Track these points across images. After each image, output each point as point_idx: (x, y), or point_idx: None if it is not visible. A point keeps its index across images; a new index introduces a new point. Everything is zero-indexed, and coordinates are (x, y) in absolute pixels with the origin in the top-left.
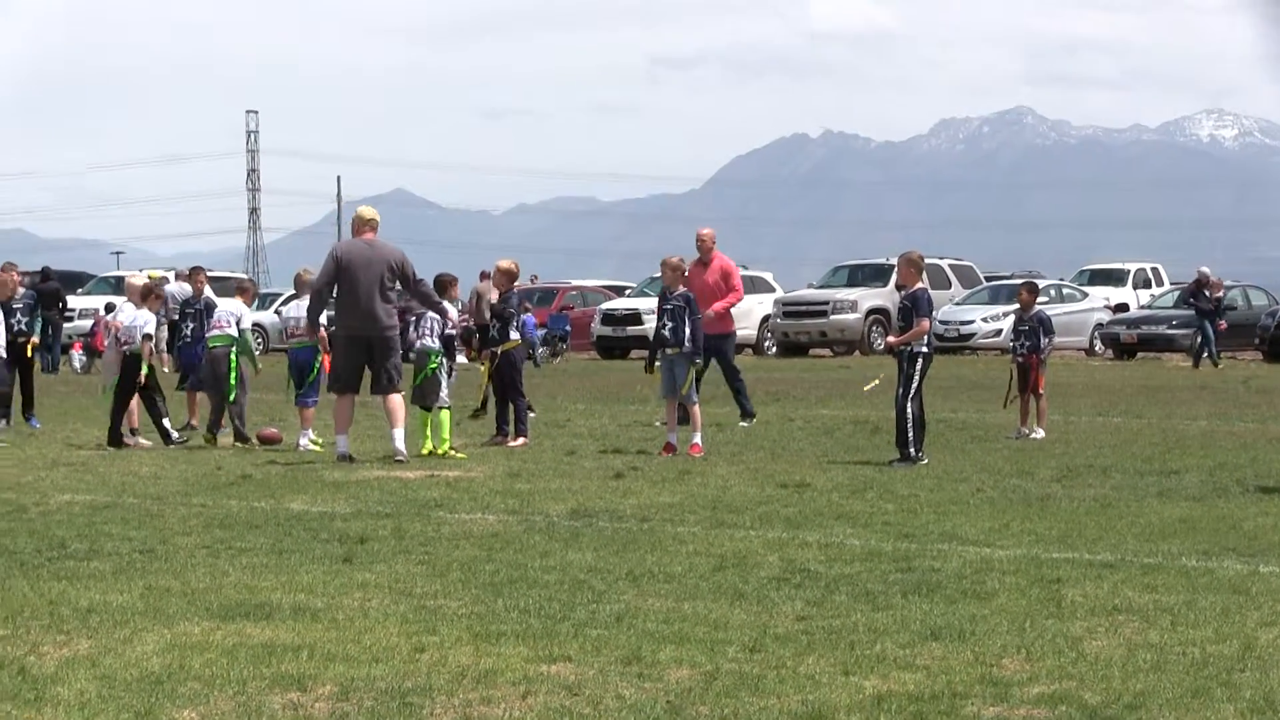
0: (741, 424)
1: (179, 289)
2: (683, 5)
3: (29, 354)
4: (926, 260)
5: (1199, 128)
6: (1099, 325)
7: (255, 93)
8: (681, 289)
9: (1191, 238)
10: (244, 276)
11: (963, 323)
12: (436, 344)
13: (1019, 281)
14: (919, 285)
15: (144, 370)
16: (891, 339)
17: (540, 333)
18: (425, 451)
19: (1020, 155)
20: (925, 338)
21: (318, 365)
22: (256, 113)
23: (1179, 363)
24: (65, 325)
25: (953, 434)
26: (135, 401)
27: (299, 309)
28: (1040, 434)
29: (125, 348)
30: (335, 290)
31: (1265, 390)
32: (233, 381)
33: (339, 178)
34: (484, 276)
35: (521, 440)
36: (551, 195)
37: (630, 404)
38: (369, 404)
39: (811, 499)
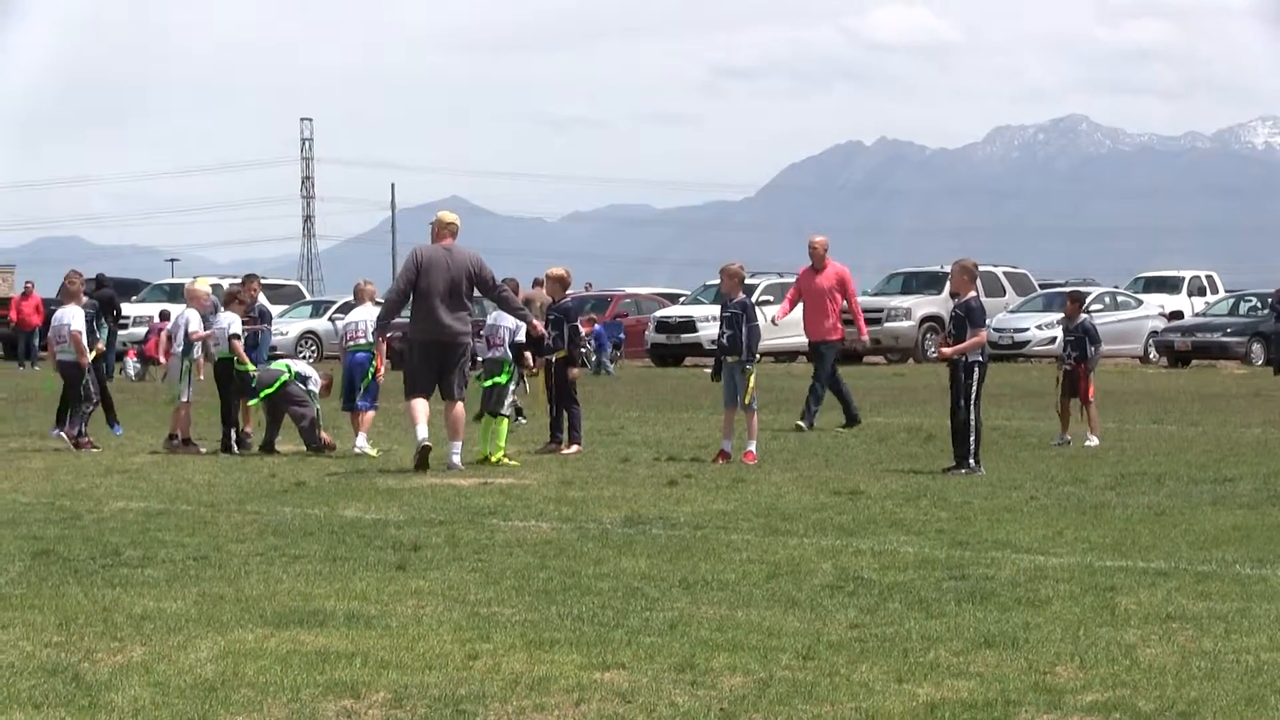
0: (839, 428)
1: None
2: (745, 16)
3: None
4: (981, 268)
5: (1254, 135)
6: (1153, 333)
7: (310, 100)
8: (740, 296)
9: (1247, 245)
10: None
11: (1017, 330)
12: (509, 354)
13: (1073, 290)
14: (971, 293)
15: (249, 369)
16: (946, 350)
17: (609, 346)
18: (481, 458)
19: (1075, 163)
20: (980, 347)
21: (372, 371)
22: (311, 120)
23: (1233, 370)
24: (120, 333)
25: (1006, 441)
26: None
27: (357, 314)
28: (1094, 441)
29: (215, 349)
30: (412, 296)
31: None
32: (264, 393)
33: (393, 185)
34: (536, 284)
35: (575, 448)
36: (606, 203)
37: (684, 411)
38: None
39: (865, 506)
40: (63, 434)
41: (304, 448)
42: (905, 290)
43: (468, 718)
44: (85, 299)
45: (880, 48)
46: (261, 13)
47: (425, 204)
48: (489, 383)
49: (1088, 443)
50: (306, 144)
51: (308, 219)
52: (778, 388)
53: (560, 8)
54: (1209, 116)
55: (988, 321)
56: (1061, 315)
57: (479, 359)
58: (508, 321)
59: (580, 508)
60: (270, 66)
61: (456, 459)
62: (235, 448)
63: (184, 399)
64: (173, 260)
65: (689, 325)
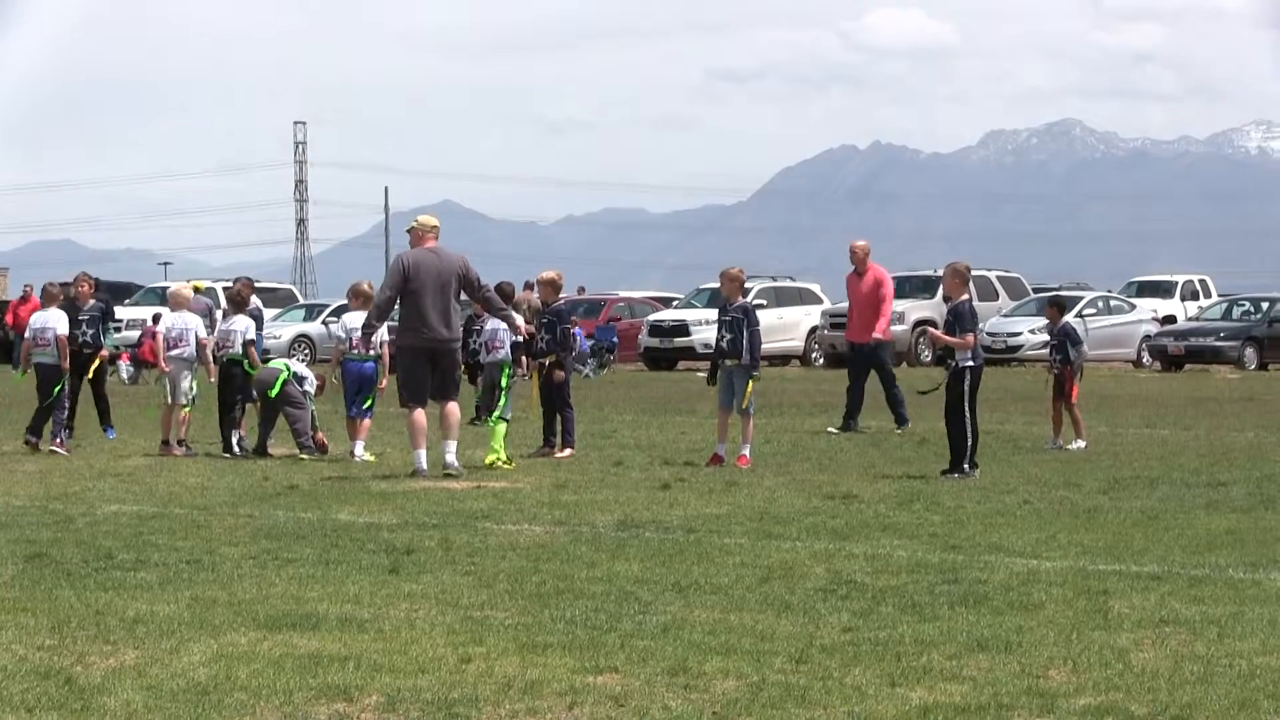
0: (896, 431)
1: (196, 302)
2: (740, 20)
3: (94, 365)
4: (974, 272)
5: (1247, 139)
6: (1147, 337)
7: (303, 104)
8: (740, 300)
9: (1240, 249)
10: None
11: (1010, 334)
12: (509, 356)
13: (1067, 294)
14: (964, 297)
15: (253, 373)
16: (936, 333)
17: (588, 344)
18: (489, 462)
19: (1069, 167)
20: (971, 351)
21: (376, 384)
22: (305, 124)
23: (1226, 374)
24: (114, 336)
25: (999, 445)
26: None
27: (357, 320)
28: (1081, 444)
29: (221, 353)
30: (400, 301)
31: None
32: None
33: (386, 189)
34: (528, 287)
35: (568, 451)
36: (599, 207)
37: (678, 415)
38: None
39: (858, 510)
40: (55, 445)
41: (297, 451)
42: (898, 294)
43: None
44: (91, 302)
45: (876, 51)
46: (255, 16)
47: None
48: (486, 389)
49: (1072, 446)
50: (300, 147)
51: (301, 222)
52: (771, 391)
53: (554, 11)
54: (1202, 121)
55: (981, 326)
56: (1044, 322)
57: (481, 361)
58: (500, 325)
59: (573, 511)
60: (264, 70)
61: (452, 458)
62: (236, 449)
63: (186, 403)
64: (166, 264)
65: (683, 329)
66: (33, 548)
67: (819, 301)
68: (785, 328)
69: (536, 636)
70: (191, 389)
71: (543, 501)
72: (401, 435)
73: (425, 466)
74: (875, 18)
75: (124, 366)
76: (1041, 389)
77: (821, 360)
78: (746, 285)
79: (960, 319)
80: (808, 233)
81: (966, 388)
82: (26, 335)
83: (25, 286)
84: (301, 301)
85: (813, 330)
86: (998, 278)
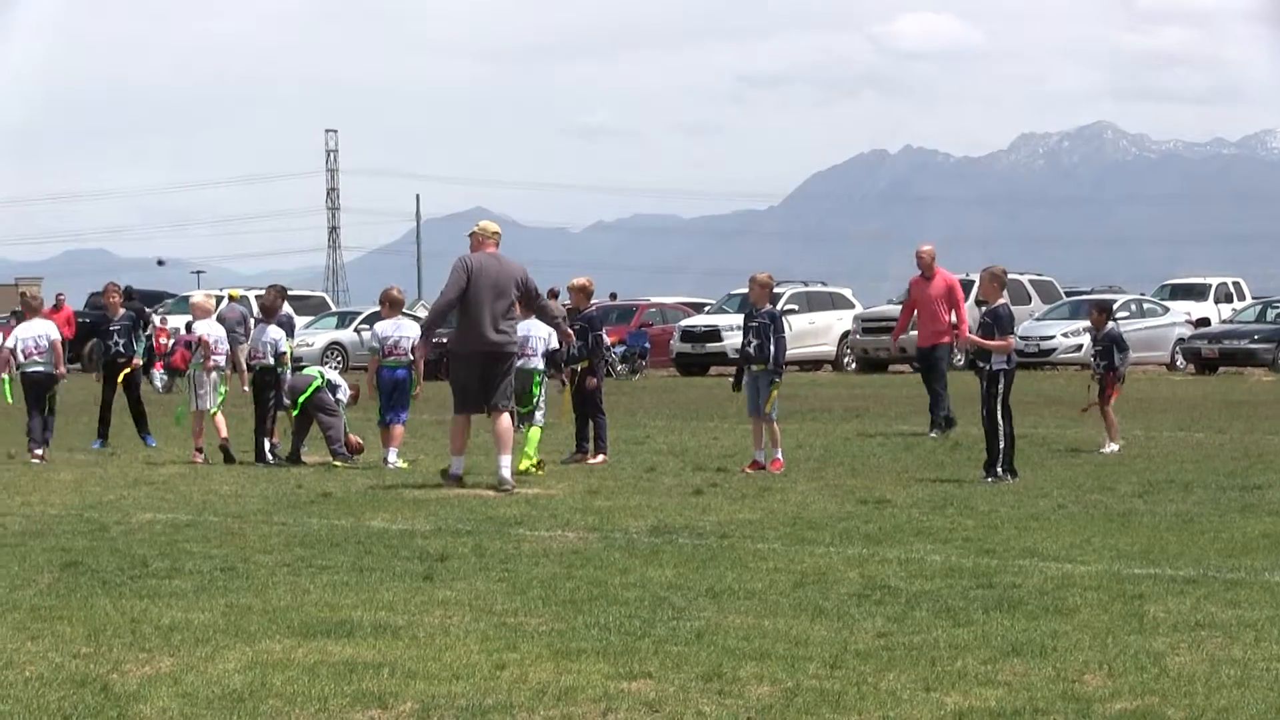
0: (930, 434)
1: (230, 310)
2: (769, 25)
3: (126, 374)
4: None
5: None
6: (1180, 340)
7: (335, 112)
8: (767, 306)
9: (1274, 251)
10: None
11: (1043, 338)
12: (541, 364)
13: (1100, 297)
14: (1000, 301)
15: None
16: (973, 337)
17: (619, 350)
18: (522, 468)
19: (1101, 170)
20: (1007, 354)
21: (413, 390)
22: (336, 132)
23: (1261, 377)
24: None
25: (1033, 449)
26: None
27: (394, 328)
28: (1114, 447)
29: (254, 362)
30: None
31: None
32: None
33: (418, 196)
34: (552, 295)
35: (601, 457)
36: (630, 213)
37: (710, 421)
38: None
39: (891, 515)
40: (36, 453)
41: (330, 458)
42: None
43: None
44: (122, 311)
45: (906, 55)
46: (287, 25)
47: (450, 214)
48: (520, 396)
49: (1104, 449)
50: (332, 155)
51: (333, 230)
52: (800, 396)
53: (584, 17)
54: (1234, 123)
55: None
56: (1088, 325)
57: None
58: (540, 330)
59: (606, 517)
60: (295, 78)
61: (506, 472)
62: (269, 457)
63: (212, 409)
64: (199, 272)
65: (714, 334)
66: (68, 556)
67: (851, 306)
68: (817, 332)
69: (570, 643)
70: (215, 396)
71: (576, 507)
72: (435, 442)
73: (460, 472)
74: (905, 22)
75: (157, 375)
76: (1078, 392)
77: (854, 365)
78: (778, 290)
79: (999, 321)
80: (840, 237)
81: (1001, 389)
82: (8, 344)
83: (58, 295)
84: (334, 309)
85: (845, 335)
86: (1030, 281)
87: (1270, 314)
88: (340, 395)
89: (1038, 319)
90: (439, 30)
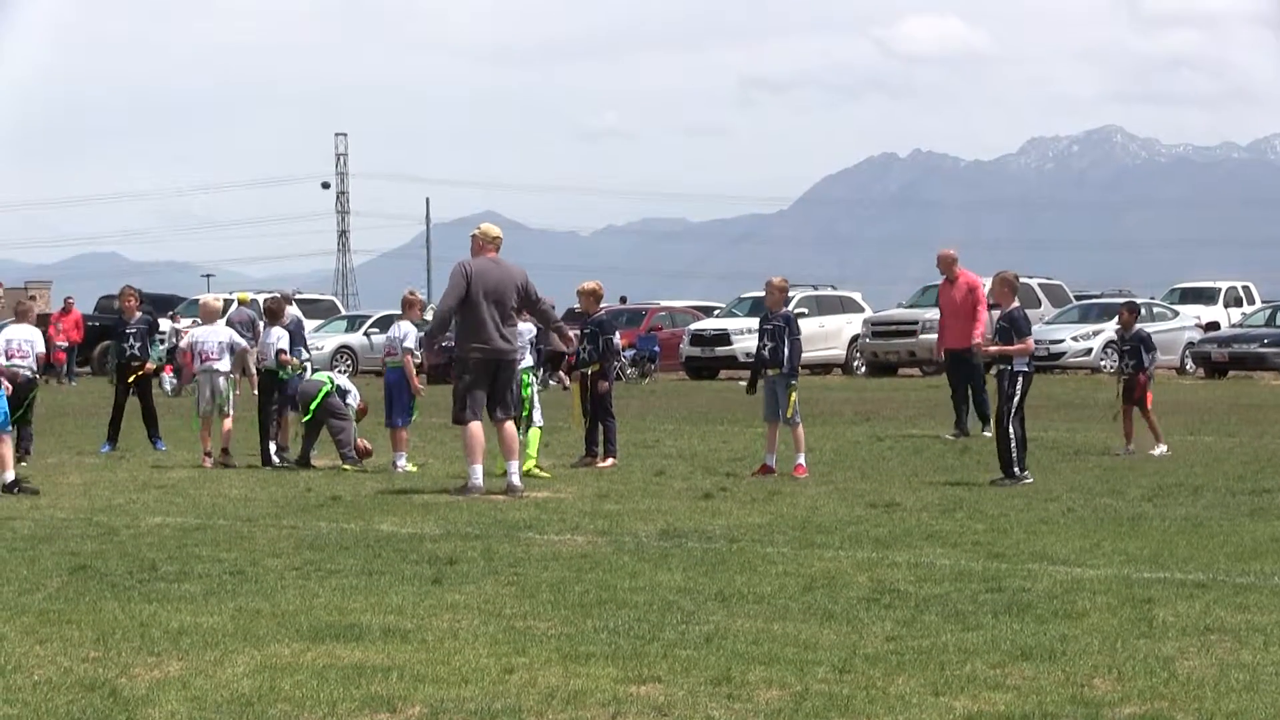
0: (947, 435)
1: (239, 314)
2: (772, 29)
3: (137, 377)
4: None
5: None
6: (1190, 344)
7: (344, 115)
8: (783, 310)
9: None
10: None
11: (1052, 342)
12: (530, 361)
13: (1109, 301)
14: (1014, 304)
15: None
16: (991, 348)
17: (629, 353)
18: (526, 469)
19: (1110, 174)
20: (1025, 357)
21: (412, 394)
22: (345, 135)
23: (1270, 381)
24: (159, 348)
25: (1043, 453)
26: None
27: (400, 330)
28: (1163, 449)
29: (261, 364)
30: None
31: None
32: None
33: (427, 199)
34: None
35: (610, 461)
36: (640, 216)
37: (719, 424)
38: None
39: (901, 519)
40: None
41: (339, 462)
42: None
43: None
44: (138, 315)
45: (913, 59)
46: (296, 28)
47: (460, 218)
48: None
49: (1154, 451)
50: (341, 159)
51: (343, 234)
52: (813, 399)
53: (591, 20)
54: (1244, 126)
55: None
56: (1117, 325)
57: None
58: (525, 328)
59: (615, 521)
60: (305, 81)
61: (516, 479)
62: (276, 460)
63: (211, 411)
64: (208, 276)
65: (724, 338)
66: (77, 560)
67: (860, 310)
68: (827, 336)
69: (579, 646)
70: (224, 399)
71: (585, 511)
72: (444, 446)
73: (482, 483)
74: (910, 25)
75: (167, 379)
76: (1091, 395)
77: (864, 369)
78: (788, 294)
79: (1016, 324)
80: (849, 241)
81: (1019, 391)
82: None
83: (66, 299)
84: (343, 313)
85: (854, 339)
86: (1040, 285)
87: None
88: (350, 400)
89: (1047, 323)
90: (446, 33)
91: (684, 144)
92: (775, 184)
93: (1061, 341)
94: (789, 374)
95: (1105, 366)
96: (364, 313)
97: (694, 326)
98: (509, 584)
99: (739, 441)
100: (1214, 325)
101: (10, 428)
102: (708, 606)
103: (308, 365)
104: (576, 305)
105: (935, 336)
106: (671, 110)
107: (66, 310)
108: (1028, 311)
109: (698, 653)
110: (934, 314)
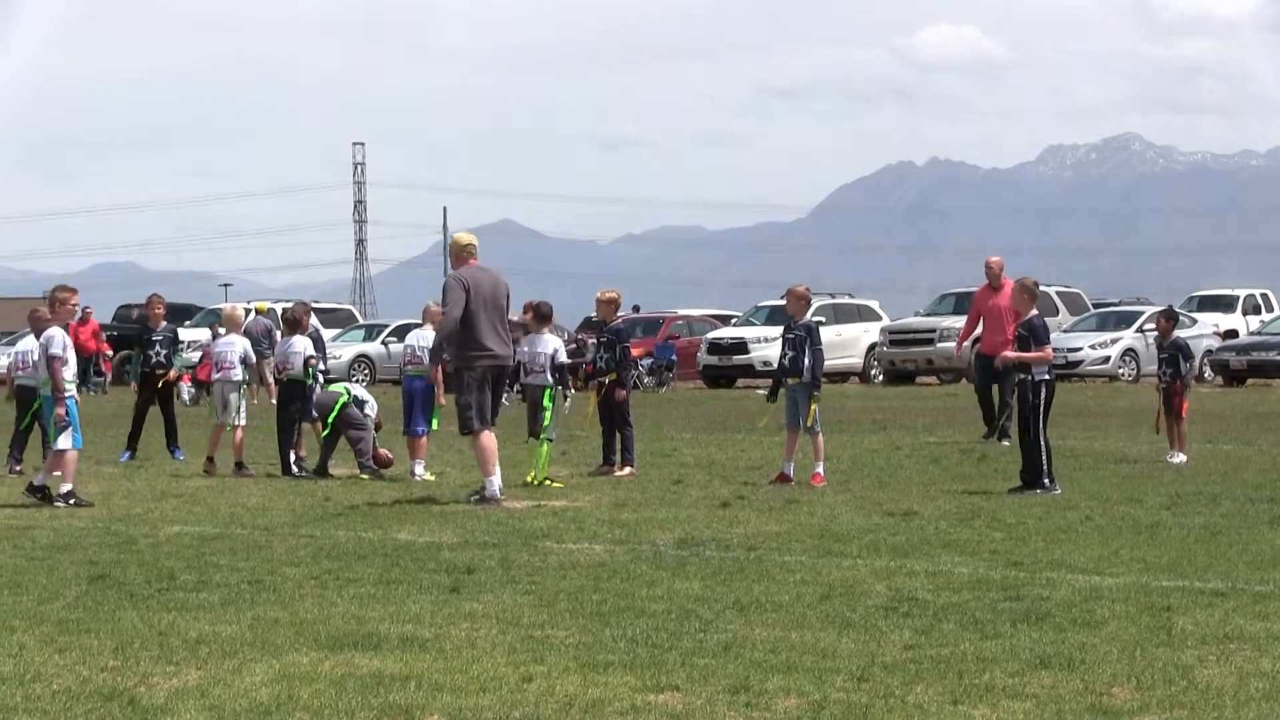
0: (991, 439)
1: (257, 323)
2: (792, 38)
3: (160, 386)
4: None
5: None
6: (1208, 352)
7: (362, 125)
8: (805, 319)
9: None
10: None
11: (1070, 350)
12: (549, 379)
13: (1127, 309)
14: (1033, 312)
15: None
16: (1009, 354)
17: (647, 362)
18: (539, 481)
19: (1128, 182)
20: (1044, 365)
21: (435, 404)
22: (363, 144)
23: None
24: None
25: (1061, 461)
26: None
27: (419, 337)
28: (1181, 458)
29: (282, 374)
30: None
31: None
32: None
33: (445, 208)
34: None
35: (628, 470)
36: (658, 225)
37: (737, 433)
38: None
39: (919, 527)
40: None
41: (358, 471)
42: (957, 310)
43: None
44: (164, 324)
45: (928, 68)
46: (314, 37)
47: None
48: (535, 411)
49: (1173, 459)
50: (359, 168)
51: (360, 243)
52: (831, 408)
53: (607, 29)
54: (1262, 134)
55: None
56: (1154, 333)
57: (520, 384)
58: (546, 346)
59: (633, 530)
60: (322, 91)
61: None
62: (295, 469)
63: (239, 423)
64: (227, 285)
65: (741, 347)
66: (96, 569)
67: (878, 318)
68: (844, 344)
69: (597, 655)
70: (237, 411)
71: (603, 520)
72: (462, 455)
73: (499, 493)
74: (927, 34)
75: (185, 388)
76: (1109, 404)
77: (881, 377)
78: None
79: (1035, 333)
80: (867, 249)
81: (1042, 400)
82: (10, 360)
83: (84, 309)
84: (361, 322)
85: (872, 347)
86: (1058, 293)
87: None
88: (368, 410)
89: (1065, 331)
90: (463, 42)
91: (701, 153)
92: (793, 192)
93: (1079, 349)
94: (811, 383)
95: (1123, 375)
96: (381, 322)
97: (711, 335)
98: (527, 593)
99: (757, 450)
100: (1232, 333)
101: (81, 445)
102: (725, 615)
103: (321, 377)
104: (594, 314)
105: (953, 344)
106: (689, 119)
107: (84, 320)
108: (1047, 319)
109: (716, 661)
110: (951, 322)
